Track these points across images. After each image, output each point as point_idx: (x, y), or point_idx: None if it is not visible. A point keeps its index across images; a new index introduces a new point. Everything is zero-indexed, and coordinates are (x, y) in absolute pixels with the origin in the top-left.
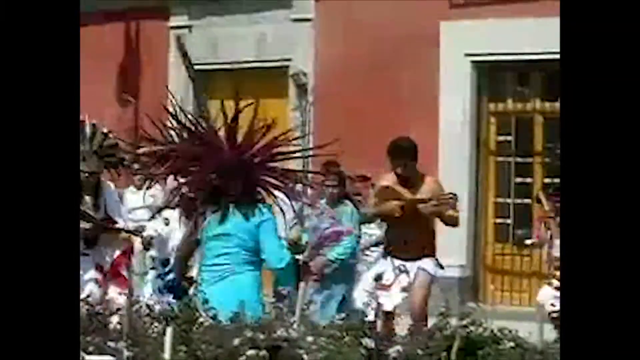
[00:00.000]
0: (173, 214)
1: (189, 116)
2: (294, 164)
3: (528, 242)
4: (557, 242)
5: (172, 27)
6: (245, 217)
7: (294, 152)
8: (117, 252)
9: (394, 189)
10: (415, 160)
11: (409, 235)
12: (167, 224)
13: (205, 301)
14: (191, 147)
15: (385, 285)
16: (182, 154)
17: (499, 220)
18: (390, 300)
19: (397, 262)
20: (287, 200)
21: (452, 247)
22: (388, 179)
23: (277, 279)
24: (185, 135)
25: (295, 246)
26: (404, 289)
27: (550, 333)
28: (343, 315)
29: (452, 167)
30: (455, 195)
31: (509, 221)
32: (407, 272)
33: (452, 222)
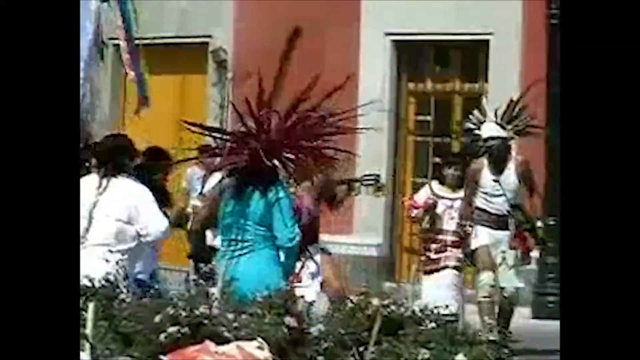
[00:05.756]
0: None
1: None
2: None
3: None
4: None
5: None
6: (263, 194)
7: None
8: None
9: None
10: None
11: None
12: None
13: (224, 276)
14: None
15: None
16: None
17: None
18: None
19: None
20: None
21: (369, 226)
22: None
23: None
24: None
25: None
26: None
27: (471, 314)
28: (265, 293)
29: (370, 146)
30: None
31: None
32: None
33: None
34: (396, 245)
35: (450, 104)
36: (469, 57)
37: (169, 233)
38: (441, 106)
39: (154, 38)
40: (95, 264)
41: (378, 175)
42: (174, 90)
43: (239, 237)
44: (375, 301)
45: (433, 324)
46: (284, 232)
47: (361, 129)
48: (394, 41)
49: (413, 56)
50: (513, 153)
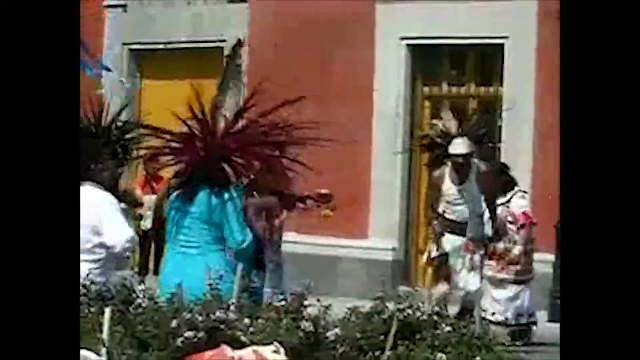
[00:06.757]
0: None
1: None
2: None
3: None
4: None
5: (108, 6)
6: (211, 195)
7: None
8: None
9: None
10: None
11: None
12: None
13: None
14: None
15: None
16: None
17: None
18: None
19: None
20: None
21: (384, 230)
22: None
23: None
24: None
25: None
26: None
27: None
28: (282, 297)
29: (385, 150)
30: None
31: None
32: None
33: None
34: (411, 249)
35: (465, 108)
36: (484, 60)
37: (134, 242)
38: (456, 110)
39: (168, 42)
40: None
41: (331, 195)
42: (188, 94)
43: (186, 237)
44: (391, 305)
45: (449, 328)
46: (233, 234)
47: (326, 140)
48: (409, 45)
49: (428, 60)
50: (474, 162)
